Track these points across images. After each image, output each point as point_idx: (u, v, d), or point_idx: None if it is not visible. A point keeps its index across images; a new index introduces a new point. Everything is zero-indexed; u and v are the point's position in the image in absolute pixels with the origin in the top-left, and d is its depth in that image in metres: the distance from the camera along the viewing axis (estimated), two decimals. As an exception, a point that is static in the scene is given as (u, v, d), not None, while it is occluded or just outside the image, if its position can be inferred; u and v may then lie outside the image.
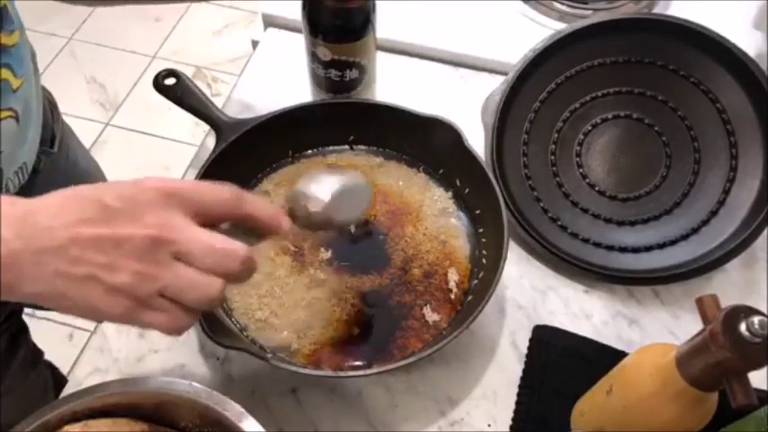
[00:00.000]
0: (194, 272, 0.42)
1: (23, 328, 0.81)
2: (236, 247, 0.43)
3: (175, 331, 0.43)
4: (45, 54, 2.07)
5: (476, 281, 0.65)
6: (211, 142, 0.69)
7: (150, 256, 0.41)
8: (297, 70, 0.84)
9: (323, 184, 0.50)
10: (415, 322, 0.63)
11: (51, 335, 1.54)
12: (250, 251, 0.43)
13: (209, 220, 0.43)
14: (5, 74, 0.56)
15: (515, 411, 0.60)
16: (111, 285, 0.41)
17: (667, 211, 0.69)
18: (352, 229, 0.68)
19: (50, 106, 0.76)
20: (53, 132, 0.75)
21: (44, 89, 0.73)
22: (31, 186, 0.67)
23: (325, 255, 0.66)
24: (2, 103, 0.57)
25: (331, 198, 0.50)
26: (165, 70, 0.69)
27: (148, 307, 0.42)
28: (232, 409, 0.50)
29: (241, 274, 0.43)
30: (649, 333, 0.66)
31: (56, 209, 0.41)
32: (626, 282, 0.68)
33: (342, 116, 0.71)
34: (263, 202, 0.46)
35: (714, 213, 0.68)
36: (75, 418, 0.50)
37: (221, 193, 0.44)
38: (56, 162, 0.74)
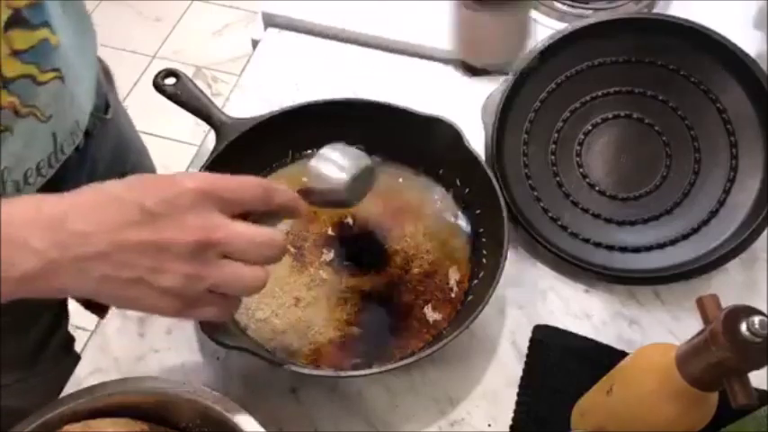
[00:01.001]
0: (239, 266, 0.43)
1: (65, 308, 0.82)
2: (274, 236, 0.45)
3: (226, 317, 0.47)
4: (45, 54, 2.06)
5: (476, 281, 0.65)
6: (211, 142, 0.68)
7: (197, 259, 0.41)
8: (297, 70, 0.84)
9: (339, 165, 0.54)
10: (415, 322, 0.63)
11: (51, 335, 1.54)
12: (282, 235, 0.46)
13: (243, 212, 0.45)
14: (45, 33, 0.55)
15: (515, 411, 0.60)
16: (160, 288, 0.41)
17: (667, 210, 0.69)
18: (351, 222, 0.68)
19: (105, 74, 0.76)
20: (107, 100, 0.75)
21: (99, 59, 0.73)
22: (86, 151, 0.68)
23: (328, 256, 0.66)
24: (47, 64, 0.56)
25: (349, 180, 0.53)
26: (164, 70, 0.69)
27: (198, 303, 0.43)
28: (232, 409, 0.50)
29: (279, 258, 0.45)
30: (649, 333, 0.66)
31: (89, 212, 0.40)
32: (626, 282, 0.67)
33: (342, 116, 0.71)
34: (286, 189, 0.48)
35: (714, 213, 0.68)
36: (76, 417, 0.51)
37: (254, 188, 0.45)
38: (108, 130, 0.75)
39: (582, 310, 0.67)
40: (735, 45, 0.67)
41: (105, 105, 0.75)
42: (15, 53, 0.52)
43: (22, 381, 0.78)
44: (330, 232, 0.68)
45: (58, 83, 0.58)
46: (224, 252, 0.42)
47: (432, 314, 0.63)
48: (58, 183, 0.63)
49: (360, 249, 0.67)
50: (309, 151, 0.73)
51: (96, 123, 0.71)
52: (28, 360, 0.78)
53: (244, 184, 0.45)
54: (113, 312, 0.65)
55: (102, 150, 0.74)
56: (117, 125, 0.79)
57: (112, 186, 0.42)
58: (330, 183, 0.53)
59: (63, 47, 0.58)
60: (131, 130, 0.87)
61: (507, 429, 0.60)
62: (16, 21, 0.51)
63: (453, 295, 0.64)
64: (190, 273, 0.41)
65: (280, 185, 0.47)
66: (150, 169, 0.90)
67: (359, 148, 0.57)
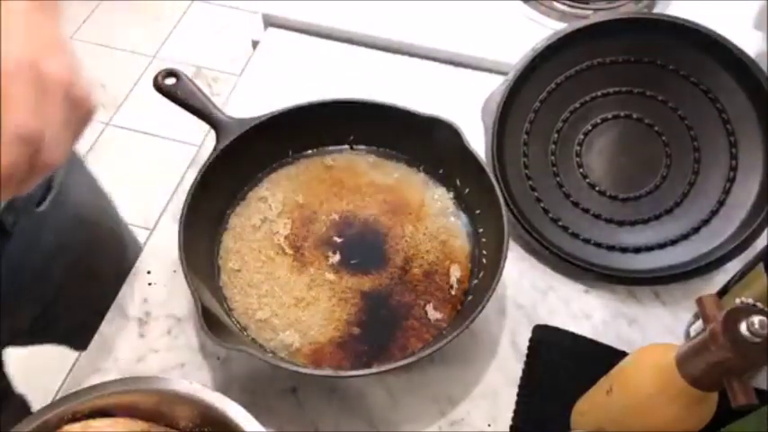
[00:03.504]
0: None
1: None
2: None
3: None
4: (45, 54, 2.06)
5: (476, 281, 0.65)
6: (211, 142, 0.68)
7: None
8: (297, 70, 0.84)
9: None
10: (415, 322, 0.63)
11: (51, 335, 1.54)
12: None
13: None
14: None
15: (515, 411, 0.60)
16: None
17: (667, 210, 0.69)
18: (351, 221, 0.68)
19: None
20: (46, 190, 0.69)
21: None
22: None
23: (328, 256, 0.66)
24: None
25: None
26: (164, 70, 0.69)
27: None
28: (232, 409, 0.50)
29: None
30: (649, 333, 0.66)
31: None
32: (626, 282, 0.68)
33: (342, 116, 0.71)
34: None
35: (714, 213, 0.68)
36: (75, 417, 0.51)
37: None
38: (40, 219, 0.69)
39: (582, 310, 0.67)
40: (735, 45, 0.67)
41: (43, 195, 0.68)
42: None
43: None
44: (330, 232, 0.68)
45: None
46: None
47: (432, 314, 0.63)
48: None
49: (360, 249, 0.67)
50: (309, 151, 0.73)
51: (20, 219, 0.65)
52: None
53: None
54: (113, 312, 0.65)
55: (29, 243, 0.67)
56: (60, 210, 0.71)
57: None
58: None
59: None
60: (89, 199, 0.79)
61: (507, 429, 0.60)
62: None
63: (453, 294, 0.64)
64: None
65: None
66: (110, 234, 0.82)
67: None
